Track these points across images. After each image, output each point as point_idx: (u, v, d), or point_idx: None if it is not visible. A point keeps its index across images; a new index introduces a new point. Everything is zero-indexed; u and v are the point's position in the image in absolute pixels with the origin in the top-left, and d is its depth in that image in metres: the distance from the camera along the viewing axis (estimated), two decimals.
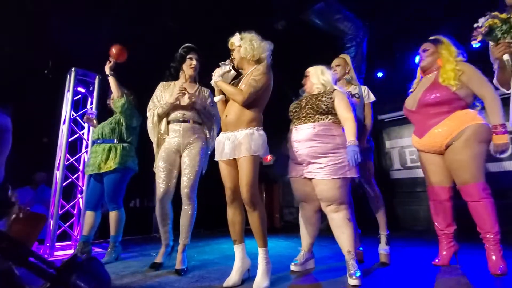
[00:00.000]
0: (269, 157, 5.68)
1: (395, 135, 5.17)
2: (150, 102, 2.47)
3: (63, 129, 3.49)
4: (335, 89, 2.09)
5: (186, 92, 2.34)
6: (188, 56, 2.47)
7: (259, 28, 2.04)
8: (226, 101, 2.04)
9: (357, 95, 2.45)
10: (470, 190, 1.93)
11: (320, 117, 2.01)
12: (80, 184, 3.52)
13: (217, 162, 2.01)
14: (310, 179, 2.02)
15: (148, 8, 4.01)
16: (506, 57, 1.58)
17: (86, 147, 3.61)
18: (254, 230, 1.82)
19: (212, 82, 2.02)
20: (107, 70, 2.74)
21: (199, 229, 4.44)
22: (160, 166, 2.33)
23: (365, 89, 2.51)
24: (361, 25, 4.48)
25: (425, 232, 3.99)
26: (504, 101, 1.88)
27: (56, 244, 3.14)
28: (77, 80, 3.61)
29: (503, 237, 1.88)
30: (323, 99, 2.03)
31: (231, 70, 2.00)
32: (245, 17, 3.83)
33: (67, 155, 3.42)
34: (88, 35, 3.76)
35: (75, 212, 3.51)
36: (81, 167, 3.58)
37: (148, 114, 2.44)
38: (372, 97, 2.49)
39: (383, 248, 2.31)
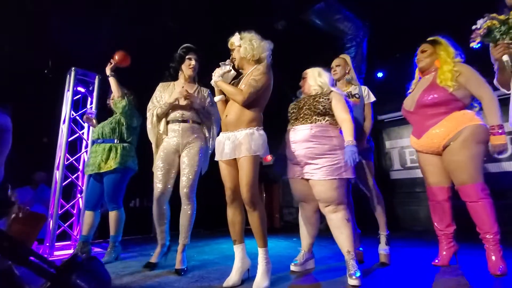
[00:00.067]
0: (269, 157, 5.67)
1: (395, 135, 5.17)
2: (150, 103, 2.47)
3: (63, 128, 3.49)
4: (332, 91, 2.11)
5: (189, 94, 2.33)
6: (187, 57, 2.46)
7: (259, 28, 2.04)
8: (226, 101, 2.04)
9: (357, 95, 2.45)
10: (468, 191, 1.93)
11: (318, 118, 2.03)
12: (80, 183, 3.52)
13: (217, 162, 2.01)
14: (308, 179, 2.03)
15: (148, 8, 4.01)
16: (505, 57, 1.59)
17: (86, 146, 3.61)
18: (254, 230, 1.82)
19: (212, 82, 2.02)
20: (107, 71, 2.74)
21: (198, 229, 4.44)
22: (158, 166, 2.33)
23: (365, 89, 2.51)
24: (361, 25, 4.49)
25: (425, 233, 3.99)
26: (504, 101, 1.88)
27: (56, 243, 3.14)
28: (77, 79, 3.61)
29: (503, 238, 1.88)
30: (321, 100, 2.05)
31: (231, 70, 2.00)
32: (245, 17, 3.83)
33: (67, 154, 3.42)
34: (88, 35, 3.76)
35: (74, 212, 3.51)
36: (80, 167, 3.58)
37: (148, 114, 2.44)
38: (372, 97, 2.49)
39: (383, 248, 2.31)
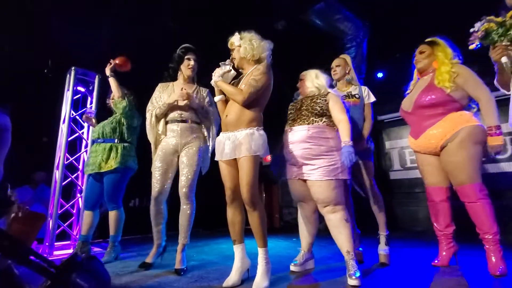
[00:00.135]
0: (269, 157, 5.68)
1: (395, 135, 5.17)
2: (149, 103, 2.47)
3: (63, 128, 3.49)
4: (329, 92, 2.13)
5: (187, 94, 2.32)
6: (186, 57, 2.46)
7: (259, 28, 2.04)
8: (226, 101, 2.04)
9: (357, 96, 2.46)
10: (467, 191, 1.94)
11: (315, 119, 2.05)
12: (80, 183, 3.52)
13: (217, 162, 2.01)
14: (305, 180, 2.04)
15: (148, 8, 4.01)
16: (504, 59, 1.62)
17: (86, 146, 3.61)
18: (254, 230, 1.82)
19: (212, 82, 2.02)
20: (107, 71, 2.73)
21: (198, 229, 4.44)
22: (156, 166, 2.33)
23: (365, 90, 2.51)
24: (361, 25, 4.48)
25: (425, 233, 4.00)
26: (505, 102, 1.89)
27: (56, 243, 3.14)
28: (77, 79, 3.61)
29: (502, 238, 1.89)
30: (318, 101, 2.07)
31: (231, 70, 2.00)
32: (245, 17, 3.83)
33: (67, 154, 3.42)
34: (88, 35, 3.76)
35: (74, 211, 3.51)
36: (80, 167, 3.58)
37: (147, 115, 2.44)
38: (372, 98, 2.49)
39: (382, 249, 2.31)
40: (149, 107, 2.46)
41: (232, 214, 1.94)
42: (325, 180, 1.93)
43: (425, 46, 2.20)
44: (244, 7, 4.07)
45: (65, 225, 3.35)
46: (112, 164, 2.66)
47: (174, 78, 2.55)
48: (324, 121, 2.05)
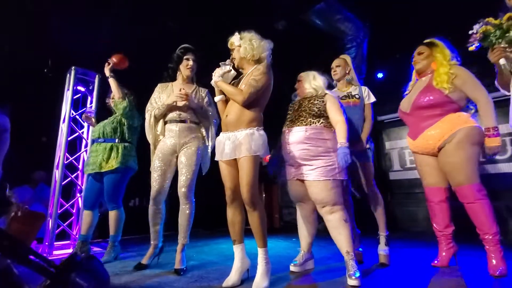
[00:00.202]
0: (269, 157, 5.68)
1: (394, 136, 5.17)
2: (148, 104, 2.47)
3: (63, 128, 3.49)
4: (326, 93, 2.14)
5: (186, 95, 2.32)
6: (185, 57, 2.46)
7: (259, 28, 2.04)
8: (226, 101, 2.04)
9: (357, 96, 2.46)
10: (465, 192, 1.94)
11: (313, 120, 2.06)
12: (79, 183, 3.52)
13: (217, 162, 2.01)
14: (303, 180, 2.04)
15: (148, 8, 4.00)
16: (502, 61, 1.64)
17: (86, 146, 3.61)
18: (254, 230, 1.82)
19: (212, 82, 2.02)
20: (106, 72, 2.73)
21: (198, 229, 4.44)
22: (155, 166, 2.33)
23: (365, 90, 2.51)
24: (362, 25, 4.48)
25: (424, 233, 3.99)
26: (505, 102, 1.89)
27: (55, 243, 3.14)
28: (77, 79, 3.61)
29: (501, 239, 1.88)
30: (316, 102, 2.09)
31: (231, 70, 2.00)
32: (245, 17, 3.83)
33: (67, 154, 3.42)
34: (88, 35, 3.76)
35: (74, 211, 3.51)
36: (80, 166, 3.58)
37: (146, 115, 2.44)
38: (373, 98, 2.49)
39: (382, 249, 2.31)
40: (148, 107, 2.45)
41: (232, 214, 1.94)
42: (323, 181, 1.94)
43: (424, 47, 2.21)
44: (244, 7, 4.06)
45: (64, 224, 3.34)
46: (113, 164, 2.65)
47: (173, 78, 2.55)
48: (322, 122, 2.06)
